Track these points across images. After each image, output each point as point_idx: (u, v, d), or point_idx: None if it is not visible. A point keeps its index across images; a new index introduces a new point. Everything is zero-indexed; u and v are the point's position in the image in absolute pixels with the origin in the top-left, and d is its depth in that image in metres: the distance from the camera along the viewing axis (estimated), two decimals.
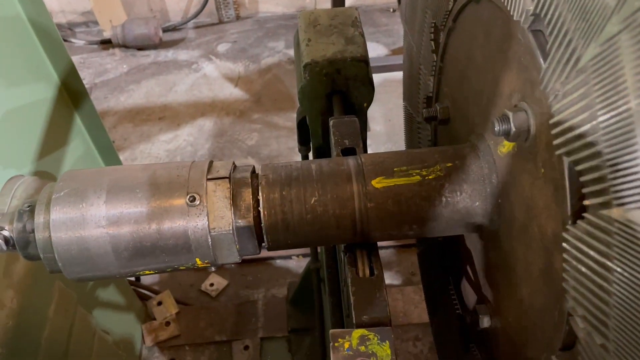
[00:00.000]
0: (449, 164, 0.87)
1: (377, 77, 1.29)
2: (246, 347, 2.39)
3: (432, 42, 1.14)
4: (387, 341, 0.78)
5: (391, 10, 4.72)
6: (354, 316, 0.81)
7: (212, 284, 2.82)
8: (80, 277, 0.88)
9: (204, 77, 4.12)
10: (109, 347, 2.08)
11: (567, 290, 0.63)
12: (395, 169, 0.87)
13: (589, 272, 0.57)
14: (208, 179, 0.85)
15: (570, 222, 0.61)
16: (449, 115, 1.07)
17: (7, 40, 1.68)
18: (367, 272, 0.87)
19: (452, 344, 1.17)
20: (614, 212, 0.51)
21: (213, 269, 0.96)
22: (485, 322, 0.93)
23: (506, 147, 0.80)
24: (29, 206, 0.89)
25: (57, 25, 2.16)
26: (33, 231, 0.86)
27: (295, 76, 1.32)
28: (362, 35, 1.22)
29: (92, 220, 0.84)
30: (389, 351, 0.77)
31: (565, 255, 0.62)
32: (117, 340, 2.20)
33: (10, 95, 1.69)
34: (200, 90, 3.99)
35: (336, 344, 0.80)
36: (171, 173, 0.86)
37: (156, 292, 2.60)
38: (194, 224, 0.83)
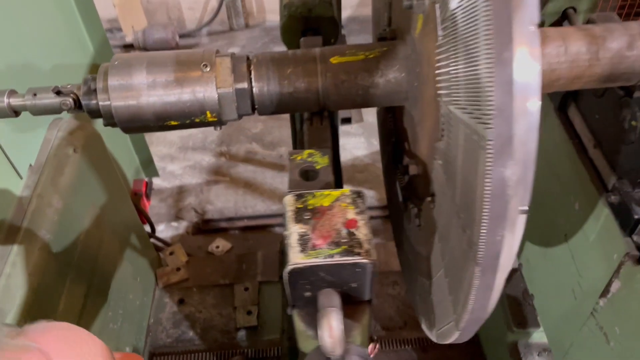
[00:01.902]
0: (385, 48, 1.24)
1: None
2: (246, 289, 2.72)
3: None
4: (326, 155, 1.15)
5: None
6: (306, 143, 1.18)
7: (217, 246, 3.18)
8: (128, 127, 1.25)
9: None
10: (128, 276, 2.43)
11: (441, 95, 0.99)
12: (347, 51, 1.24)
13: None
14: (216, 56, 1.23)
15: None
16: (395, 34, 1.45)
17: (52, 13, 2.10)
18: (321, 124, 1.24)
19: (398, 211, 1.52)
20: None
21: (219, 129, 1.31)
22: (412, 169, 1.28)
23: (418, 28, 1.17)
24: (92, 76, 1.27)
25: None
26: (95, 92, 1.23)
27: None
28: None
29: (136, 85, 1.21)
30: (327, 161, 1.14)
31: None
32: (135, 278, 2.55)
33: (52, 57, 2.09)
34: None
35: (291, 157, 1.17)
36: (191, 53, 1.24)
37: (169, 245, 2.96)
38: (206, 84, 1.20)
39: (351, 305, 1.00)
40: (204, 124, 1.26)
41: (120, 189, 2.41)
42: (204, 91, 1.20)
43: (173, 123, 1.25)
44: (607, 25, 1.25)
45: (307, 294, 0.98)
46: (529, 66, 0.72)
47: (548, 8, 1.57)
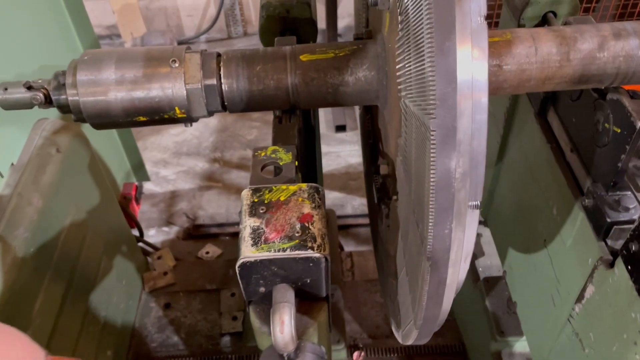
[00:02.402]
0: (355, 47, 1.24)
1: None
2: (232, 294, 2.70)
3: None
4: (290, 152, 1.14)
5: None
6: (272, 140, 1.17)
7: (207, 252, 3.17)
8: (97, 123, 1.25)
9: None
10: (113, 279, 2.42)
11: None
12: (317, 50, 1.24)
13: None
14: (186, 52, 1.23)
15: None
16: (371, 35, 1.44)
17: (44, 14, 2.12)
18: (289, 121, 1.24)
19: (374, 214, 1.51)
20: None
21: (190, 125, 1.30)
22: (383, 169, 1.28)
23: (386, 26, 1.16)
24: (62, 71, 1.27)
25: None
26: (65, 87, 1.23)
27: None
28: None
29: (105, 80, 1.21)
30: (291, 157, 1.13)
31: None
32: (120, 281, 2.54)
33: (43, 58, 2.11)
34: None
35: (256, 154, 1.17)
36: (162, 49, 1.24)
37: (158, 249, 2.95)
38: (174, 80, 1.20)
39: (308, 302, 0.99)
40: (174, 120, 1.26)
41: (107, 191, 2.41)
42: (172, 87, 1.20)
43: (142, 119, 1.24)
44: (579, 26, 1.24)
45: (262, 289, 0.97)
46: (473, 56, 0.71)
47: (527, 12, 1.57)
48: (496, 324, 2.04)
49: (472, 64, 0.71)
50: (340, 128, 4.00)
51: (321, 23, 4.92)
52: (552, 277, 1.58)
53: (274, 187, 1.04)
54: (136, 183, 3.13)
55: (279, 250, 0.92)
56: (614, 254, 1.26)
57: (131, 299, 2.62)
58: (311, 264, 0.92)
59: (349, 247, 3.15)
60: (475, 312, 2.21)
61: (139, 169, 3.19)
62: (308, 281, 0.95)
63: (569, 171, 1.46)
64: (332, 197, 3.54)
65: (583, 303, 1.37)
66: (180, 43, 4.86)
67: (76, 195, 2.11)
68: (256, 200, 1.02)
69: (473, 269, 2.28)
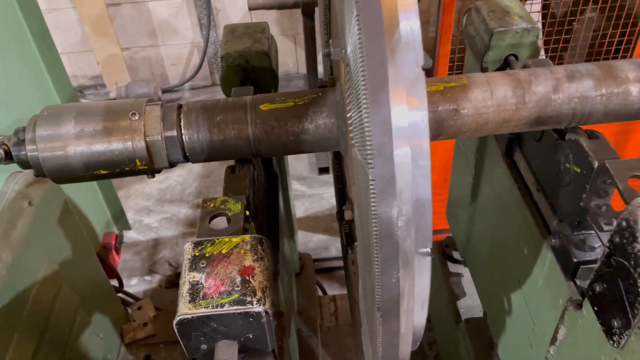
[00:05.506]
0: (314, 95, 1.25)
1: None
2: None
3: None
4: (240, 202, 1.14)
5: None
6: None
7: None
8: (57, 178, 1.24)
9: None
10: (89, 332, 2.36)
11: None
12: (277, 99, 1.25)
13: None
14: (147, 104, 1.24)
15: None
16: (334, 82, 1.46)
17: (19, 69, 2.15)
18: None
19: (346, 260, 1.50)
20: None
21: (152, 177, 1.31)
22: (347, 215, 1.27)
23: (343, 74, 1.18)
24: (23, 127, 1.27)
25: None
26: (24, 143, 1.23)
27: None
28: (269, 39, 1.65)
29: (64, 135, 1.21)
30: (240, 207, 1.13)
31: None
32: (97, 334, 2.48)
33: (17, 104, 2.12)
34: None
35: (204, 205, 1.16)
36: (123, 102, 1.25)
37: (138, 299, 2.90)
38: (134, 133, 1.20)
39: (255, 357, 0.96)
40: (135, 172, 1.25)
41: (83, 242, 2.38)
42: (132, 139, 1.20)
43: (103, 172, 1.24)
44: (534, 69, 1.26)
45: (203, 346, 0.94)
46: (411, 105, 0.72)
47: (489, 56, 1.60)
48: None
49: (409, 113, 0.72)
50: (324, 170, 4.02)
51: (302, 68, 5.01)
52: (528, 318, 1.56)
53: (216, 240, 1.02)
54: (116, 232, 3.10)
55: (217, 306, 0.90)
56: (583, 294, 1.25)
57: (109, 353, 2.56)
58: (251, 319, 0.90)
59: (332, 290, 3.11)
60: (458, 354, 2.16)
61: (120, 218, 3.17)
62: (251, 336, 0.93)
63: (537, 211, 1.46)
64: (315, 239, 3.52)
65: (557, 345, 1.35)
66: (164, 91, 4.92)
67: (50, 248, 2.08)
68: (197, 254, 1.00)
69: (455, 310, 2.25)
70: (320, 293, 3.00)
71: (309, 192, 3.90)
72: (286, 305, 1.61)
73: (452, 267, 2.37)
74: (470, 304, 2.23)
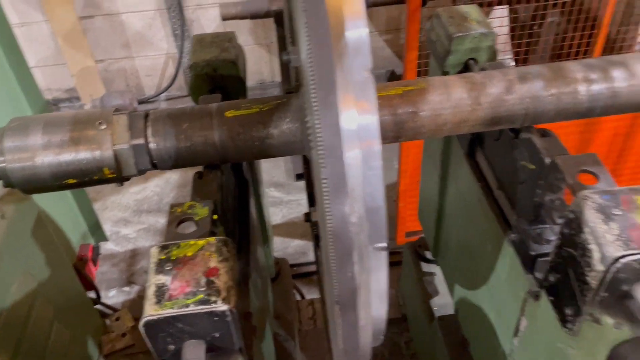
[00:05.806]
0: (279, 101, 1.29)
1: None
2: None
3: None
4: (207, 207, 1.17)
5: None
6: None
7: None
8: (27, 188, 1.26)
9: None
10: (65, 345, 2.35)
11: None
12: (242, 105, 1.29)
13: None
14: (114, 113, 1.27)
15: None
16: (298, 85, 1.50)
17: None
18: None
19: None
20: None
21: (121, 185, 1.34)
22: (314, 216, 1.31)
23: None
24: None
25: None
26: None
27: None
28: (237, 48, 1.69)
29: (31, 146, 1.23)
30: (207, 211, 1.16)
31: None
32: (75, 346, 2.47)
33: None
34: None
35: (172, 210, 1.19)
36: (90, 112, 1.28)
37: (116, 310, 2.90)
38: (101, 142, 1.23)
39: (223, 357, 0.99)
40: (104, 181, 1.27)
41: (58, 255, 2.38)
42: (99, 148, 1.22)
43: (72, 181, 1.26)
44: (489, 72, 1.32)
45: (171, 347, 0.97)
46: (360, 107, 0.76)
47: (450, 60, 1.66)
48: None
49: (358, 115, 0.76)
50: (300, 176, 4.05)
51: (277, 76, 5.05)
52: (494, 313, 1.61)
53: (182, 243, 1.05)
54: (93, 244, 3.10)
55: (182, 306, 0.93)
56: (541, 285, 1.30)
57: None
58: (216, 318, 0.93)
59: (311, 294, 3.14)
60: (433, 351, 2.21)
61: (96, 230, 3.16)
62: (217, 335, 0.95)
63: (498, 208, 1.51)
64: (294, 245, 3.55)
65: (519, 335, 1.40)
66: (140, 102, 4.92)
67: (24, 261, 2.08)
68: (163, 257, 1.03)
69: (428, 309, 2.30)
70: (298, 297, 3.03)
71: (286, 198, 3.93)
72: (260, 307, 1.64)
73: (425, 267, 2.42)
74: (444, 302, 2.28)
